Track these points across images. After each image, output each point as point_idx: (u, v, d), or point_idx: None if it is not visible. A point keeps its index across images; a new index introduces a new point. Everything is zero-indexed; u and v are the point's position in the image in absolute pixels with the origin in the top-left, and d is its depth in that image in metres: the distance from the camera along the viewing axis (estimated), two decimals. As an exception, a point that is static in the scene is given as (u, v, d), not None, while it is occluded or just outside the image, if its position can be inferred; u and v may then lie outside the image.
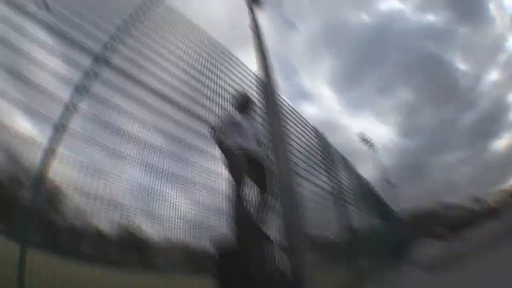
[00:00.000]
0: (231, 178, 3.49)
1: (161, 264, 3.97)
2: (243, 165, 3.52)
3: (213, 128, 3.85)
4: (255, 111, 4.18)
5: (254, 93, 6.60)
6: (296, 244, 3.58)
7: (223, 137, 3.70)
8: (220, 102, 5.22)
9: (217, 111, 4.95)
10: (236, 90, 5.35)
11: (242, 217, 3.29)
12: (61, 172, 2.84)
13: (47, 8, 3.42)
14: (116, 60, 3.86)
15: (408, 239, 35.81)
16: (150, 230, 3.42)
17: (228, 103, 4.82)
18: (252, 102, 4.10)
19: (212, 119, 4.65)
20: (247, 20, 5.92)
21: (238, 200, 3.31)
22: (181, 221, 3.63)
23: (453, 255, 10.68)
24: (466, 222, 67.30)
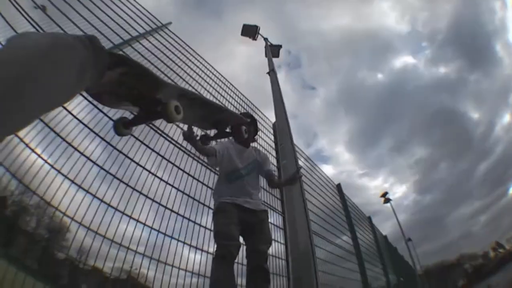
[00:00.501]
0: None
1: None
2: None
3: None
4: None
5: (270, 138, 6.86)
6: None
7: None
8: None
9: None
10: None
11: None
12: (68, 204, 2.75)
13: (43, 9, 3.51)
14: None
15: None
16: (156, 279, 3.19)
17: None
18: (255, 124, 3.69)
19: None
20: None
21: None
22: (190, 274, 3.47)
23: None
24: (488, 269, 65.11)
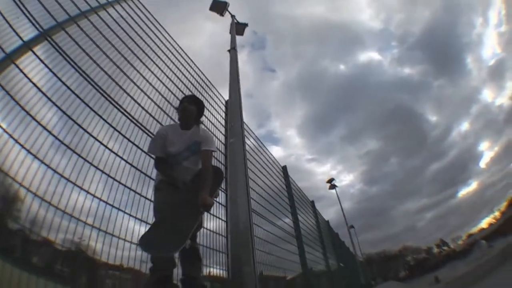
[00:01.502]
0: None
1: (110, 286, 3.84)
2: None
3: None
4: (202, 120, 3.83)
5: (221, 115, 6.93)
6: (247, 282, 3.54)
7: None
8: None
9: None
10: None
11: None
12: (23, 174, 2.75)
13: None
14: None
15: (368, 281, 35.93)
16: (103, 252, 3.27)
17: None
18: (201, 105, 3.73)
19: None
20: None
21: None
22: (135, 246, 3.53)
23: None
24: (431, 264, 68.79)
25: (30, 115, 2.94)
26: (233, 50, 6.80)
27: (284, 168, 10.99)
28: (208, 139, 3.53)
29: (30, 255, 3.07)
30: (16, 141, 2.77)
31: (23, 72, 3.04)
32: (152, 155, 3.63)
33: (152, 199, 3.78)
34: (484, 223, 77.99)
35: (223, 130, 6.72)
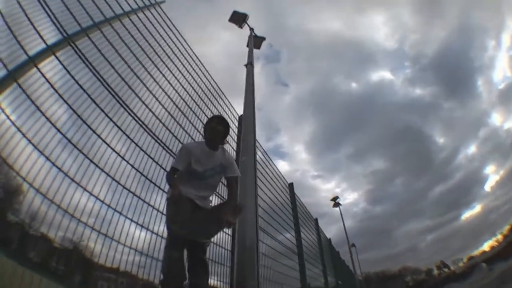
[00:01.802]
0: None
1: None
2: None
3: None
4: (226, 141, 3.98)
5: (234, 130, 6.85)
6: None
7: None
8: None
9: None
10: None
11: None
12: (26, 168, 2.75)
13: None
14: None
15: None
16: (101, 254, 3.27)
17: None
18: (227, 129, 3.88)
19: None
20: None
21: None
22: (134, 252, 3.57)
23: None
24: (431, 285, 68.10)
25: (40, 111, 2.97)
26: (249, 65, 6.76)
27: (291, 185, 10.98)
28: (233, 165, 3.66)
29: (27, 249, 3.06)
30: (24, 135, 2.79)
31: (40, 72, 3.10)
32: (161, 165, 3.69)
33: (156, 205, 3.89)
34: (486, 246, 77.44)
35: (233, 144, 6.70)
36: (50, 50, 3.28)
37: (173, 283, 2.94)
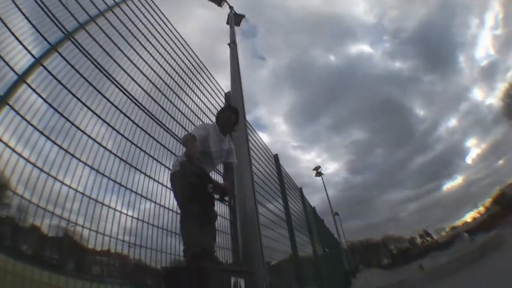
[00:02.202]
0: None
1: (98, 273, 3.87)
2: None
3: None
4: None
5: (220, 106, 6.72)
6: (255, 267, 3.97)
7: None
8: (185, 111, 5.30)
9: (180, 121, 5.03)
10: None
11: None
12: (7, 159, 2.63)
13: None
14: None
15: (352, 268, 36.61)
16: (91, 237, 3.20)
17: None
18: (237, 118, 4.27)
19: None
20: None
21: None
22: (125, 233, 3.59)
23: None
24: (414, 253, 69.77)
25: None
26: (233, 44, 6.82)
27: (276, 157, 11.23)
28: (234, 152, 4.26)
29: (18, 242, 3.09)
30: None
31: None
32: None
33: (139, 183, 3.89)
34: (468, 217, 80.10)
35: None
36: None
37: (193, 250, 3.20)
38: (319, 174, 32.28)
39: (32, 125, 2.86)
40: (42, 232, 2.97)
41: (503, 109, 50.48)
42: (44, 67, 3.13)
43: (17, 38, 2.97)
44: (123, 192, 3.65)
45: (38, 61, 3.09)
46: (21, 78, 2.90)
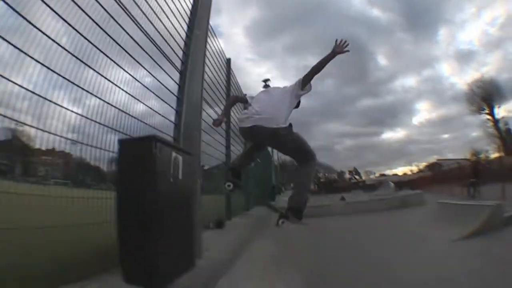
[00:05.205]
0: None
1: (44, 173, 3.87)
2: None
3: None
4: None
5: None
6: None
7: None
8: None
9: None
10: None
11: None
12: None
13: None
14: None
15: (278, 185, 38.39)
16: (36, 136, 3.13)
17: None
18: None
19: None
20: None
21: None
22: (68, 130, 3.50)
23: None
24: (337, 185, 73.85)
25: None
26: None
27: (228, 61, 11.27)
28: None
29: None
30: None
31: None
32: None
33: (90, 80, 3.81)
34: (400, 171, 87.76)
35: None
36: None
37: (232, 168, 4.68)
38: (267, 86, 32.57)
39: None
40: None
41: (467, 94, 54.99)
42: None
43: None
44: (70, 88, 3.54)
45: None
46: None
